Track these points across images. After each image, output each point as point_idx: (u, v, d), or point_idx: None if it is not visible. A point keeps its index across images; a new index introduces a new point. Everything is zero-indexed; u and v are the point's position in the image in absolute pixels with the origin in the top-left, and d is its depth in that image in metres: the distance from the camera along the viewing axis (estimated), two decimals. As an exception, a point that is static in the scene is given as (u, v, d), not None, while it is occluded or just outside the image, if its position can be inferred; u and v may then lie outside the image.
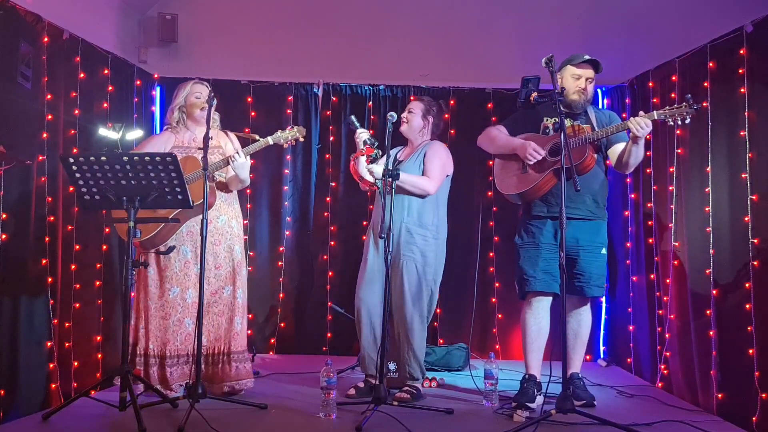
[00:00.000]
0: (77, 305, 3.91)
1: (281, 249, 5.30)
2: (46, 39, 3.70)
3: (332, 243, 5.32)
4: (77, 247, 3.95)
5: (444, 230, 4.04)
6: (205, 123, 3.90)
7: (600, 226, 3.82)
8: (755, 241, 3.37)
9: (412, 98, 4.33)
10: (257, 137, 3.86)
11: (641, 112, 3.50)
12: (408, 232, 3.91)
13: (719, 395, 3.56)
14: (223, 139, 4.02)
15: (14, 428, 3.26)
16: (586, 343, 3.89)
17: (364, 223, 5.09)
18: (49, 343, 3.63)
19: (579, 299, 3.82)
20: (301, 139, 3.92)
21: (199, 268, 3.48)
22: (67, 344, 3.80)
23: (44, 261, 3.64)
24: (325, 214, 5.33)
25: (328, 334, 5.29)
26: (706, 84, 3.80)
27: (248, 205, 5.20)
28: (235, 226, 3.98)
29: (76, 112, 3.99)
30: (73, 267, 3.91)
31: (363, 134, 3.93)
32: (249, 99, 5.28)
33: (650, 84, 4.50)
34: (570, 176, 3.24)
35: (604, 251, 3.81)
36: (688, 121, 3.42)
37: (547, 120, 3.83)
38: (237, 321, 3.91)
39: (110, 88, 4.34)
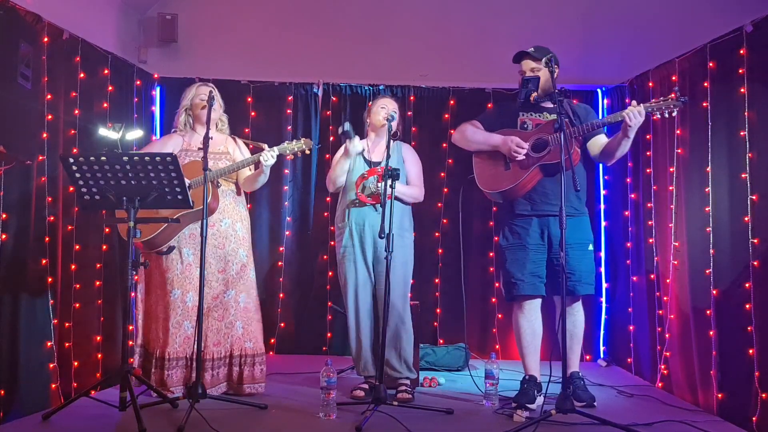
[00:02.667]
0: (77, 305, 3.91)
1: (281, 249, 5.30)
2: (46, 39, 3.70)
3: (332, 243, 5.30)
4: (77, 247, 3.95)
5: (412, 230, 4.14)
6: (212, 125, 3.93)
7: (583, 222, 3.78)
8: (755, 241, 3.37)
9: (391, 98, 4.22)
10: (264, 146, 3.86)
11: (633, 102, 3.50)
12: (393, 236, 3.91)
13: (719, 395, 3.56)
14: (231, 145, 4.03)
15: (14, 428, 3.26)
16: (581, 340, 3.87)
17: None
18: (49, 343, 3.63)
19: (571, 298, 3.76)
20: (308, 152, 3.90)
21: (200, 271, 3.48)
22: (67, 344, 3.80)
23: (44, 261, 3.64)
24: (325, 214, 5.33)
25: (328, 334, 5.29)
26: (706, 84, 3.80)
27: (248, 205, 5.18)
28: (240, 229, 3.97)
29: (76, 112, 3.99)
30: (73, 267, 3.91)
31: (359, 146, 4.00)
32: (249, 99, 5.28)
33: (650, 84, 4.50)
34: (565, 171, 3.23)
35: (591, 247, 3.78)
36: (675, 113, 3.44)
37: (523, 115, 3.79)
38: (238, 325, 3.91)
39: (110, 88, 4.34)
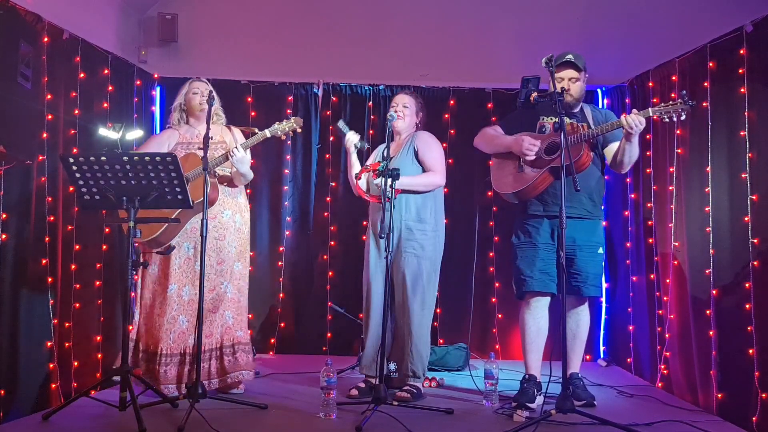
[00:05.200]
0: (77, 305, 3.92)
1: (281, 249, 5.30)
2: (46, 39, 3.70)
3: (332, 243, 5.32)
4: (77, 247, 3.95)
5: (442, 222, 4.06)
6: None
7: (596, 225, 3.82)
8: (755, 241, 3.38)
9: (403, 93, 4.23)
10: (256, 130, 3.86)
11: (634, 110, 3.51)
12: (408, 229, 3.92)
13: (719, 395, 3.56)
14: (227, 135, 4.03)
15: (14, 428, 3.26)
16: (584, 342, 3.89)
17: (364, 223, 5.07)
18: (49, 343, 3.64)
19: (576, 299, 3.82)
20: (299, 130, 3.88)
21: (200, 267, 3.47)
22: (67, 344, 3.80)
23: (44, 261, 3.64)
24: (325, 214, 5.34)
25: (328, 334, 5.29)
26: (706, 84, 3.80)
27: (248, 205, 5.19)
28: (239, 220, 3.97)
29: (76, 112, 3.99)
30: (73, 267, 3.91)
31: (353, 137, 3.98)
32: (249, 99, 5.28)
33: (650, 84, 4.50)
34: (569, 175, 3.24)
35: (600, 251, 3.81)
36: (683, 117, 3.43)
37: (543, 119, 3.82)
38: (228, 315, 3.88)
39: (110, 88, 4.34)
